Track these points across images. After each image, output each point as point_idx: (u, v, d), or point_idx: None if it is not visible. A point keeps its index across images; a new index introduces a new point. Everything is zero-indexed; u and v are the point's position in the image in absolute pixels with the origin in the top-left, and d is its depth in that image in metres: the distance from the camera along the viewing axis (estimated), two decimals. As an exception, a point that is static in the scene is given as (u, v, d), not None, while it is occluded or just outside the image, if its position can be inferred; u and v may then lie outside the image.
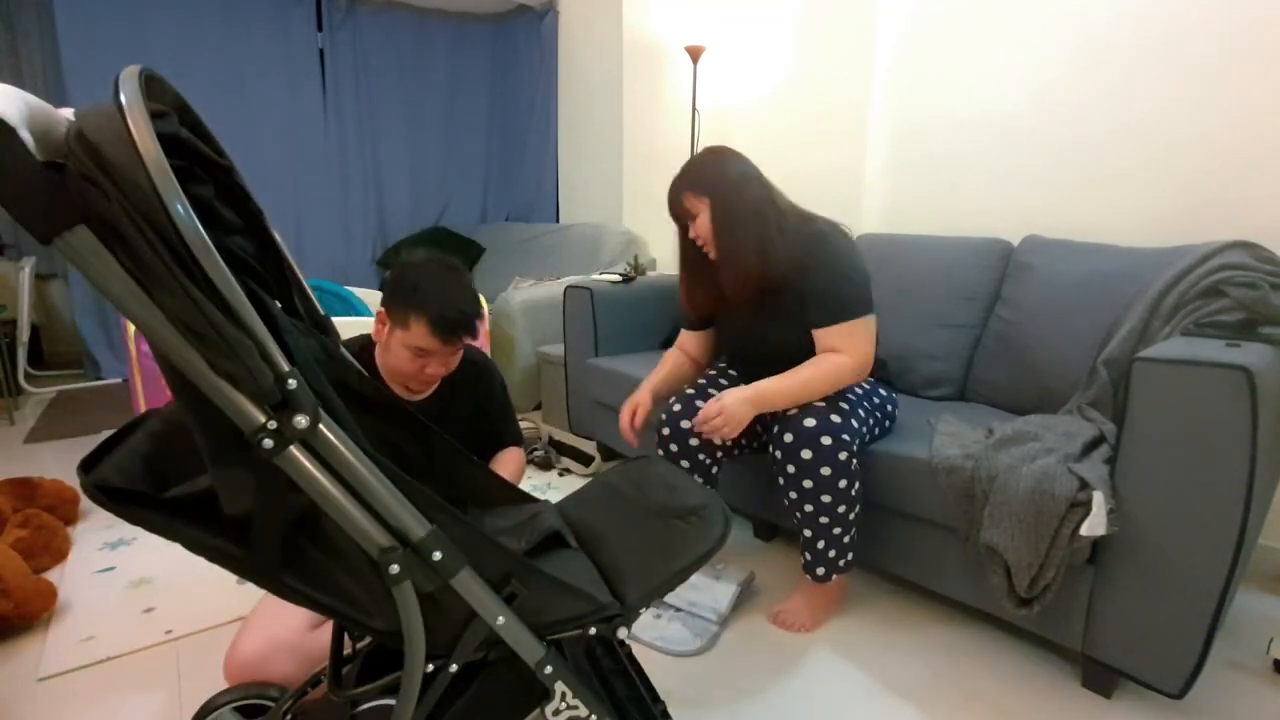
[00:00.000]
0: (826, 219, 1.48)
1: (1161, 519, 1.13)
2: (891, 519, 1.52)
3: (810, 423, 1.35)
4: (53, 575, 1.64)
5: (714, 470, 1.60)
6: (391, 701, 0.78)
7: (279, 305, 0.84)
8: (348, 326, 2.09)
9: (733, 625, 1.51)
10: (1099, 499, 1.14)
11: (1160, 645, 1.16)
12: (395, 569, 0.67)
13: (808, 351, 1.44)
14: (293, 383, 0.61)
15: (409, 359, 1.23)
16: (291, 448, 0.62)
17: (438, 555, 0.68)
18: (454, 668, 0.76)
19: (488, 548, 0.74)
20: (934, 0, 2.23)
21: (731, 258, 1.44)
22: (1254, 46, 1.61)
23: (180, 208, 0.54)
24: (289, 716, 0.97)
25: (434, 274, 1.24)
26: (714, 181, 1.44)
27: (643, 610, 0.85)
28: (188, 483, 0.68)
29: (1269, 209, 1.62)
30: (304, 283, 0.88)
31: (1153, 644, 1.17)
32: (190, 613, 1.50)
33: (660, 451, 1.62)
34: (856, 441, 1.38)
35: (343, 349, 0.95)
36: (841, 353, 1.40)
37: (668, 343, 2.43)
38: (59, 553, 1.71)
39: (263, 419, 0.60)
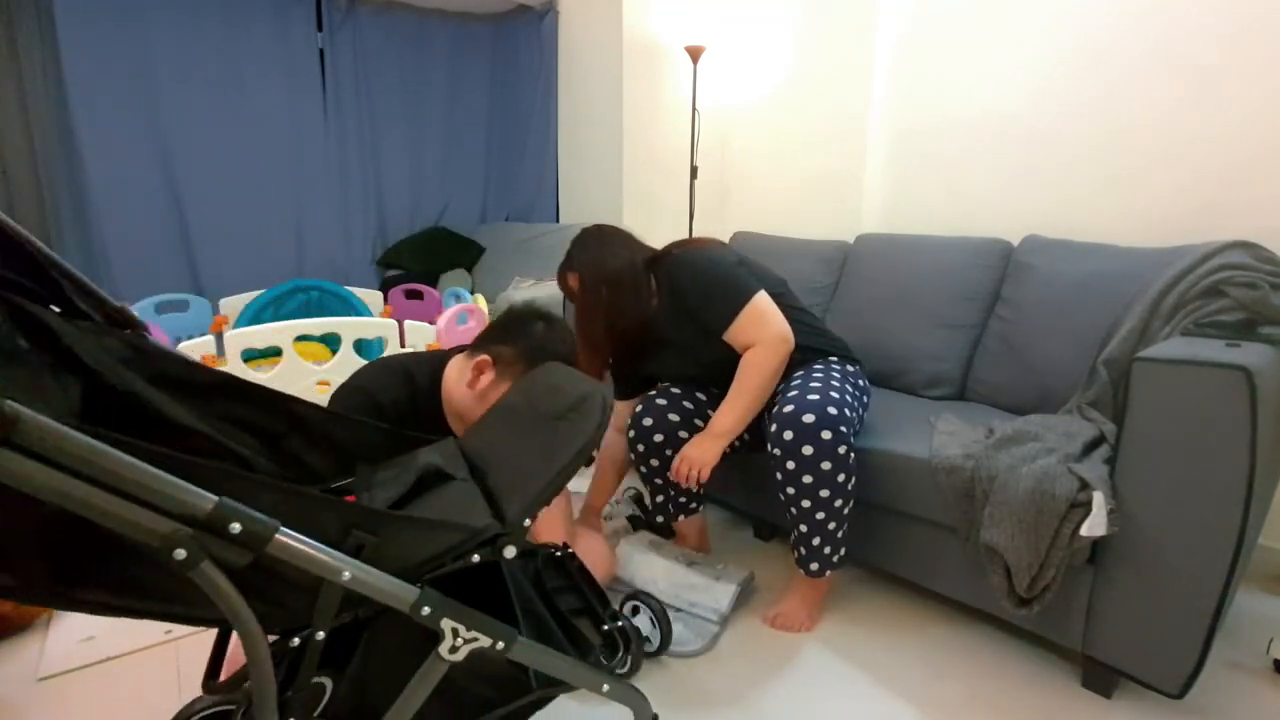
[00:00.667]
0: (681, 243, 1.59)
1: (1161, 519, 1.13)
2: (891, 519, 1.52)
3: (809, 418, 1.35)
4: (53, 575, 1.64)
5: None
6: (323, 680, 0.75)
7: (57, 310, 0.79)
8: (350, 327, 2.09)
9: (732, 626, 1.51)
10: (1099, 499, 1.14)
11: (1160, 645, 1.16)
12: (182, 553, 0.61)
13: (735, 358, 1.50)
14: None
15: None
16: None
17: (236, 527, 0.63)
18: (321, 635, 0.72)
19: (317, 506, 0.70)
20: (934, 0, 2.23)
21: (583, 323, 1.54)
22: (1254, 47, 1.61)
23: None
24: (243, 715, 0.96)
25: (567, 339, 1.28)
26: (580, 259, 1.57)
27: (527, 522, 0.80)
28: None
29: (1269, 209, 1.62)
30: (82, 279, 0.81)
31: (1153, 644, 1.17)
32: (190, 613, 1.50)
33: (640, 468, 1.66)
34: (852, 433, 1.39)
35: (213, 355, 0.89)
36: (755, 343, 1.45)
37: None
38: (59, 553, 1.71)
39: None
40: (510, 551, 0.79)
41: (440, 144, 4.23)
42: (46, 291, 0.78)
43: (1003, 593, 1.27)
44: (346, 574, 0.68)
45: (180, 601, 0.67)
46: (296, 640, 0.71)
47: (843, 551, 1.47)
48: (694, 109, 2.92)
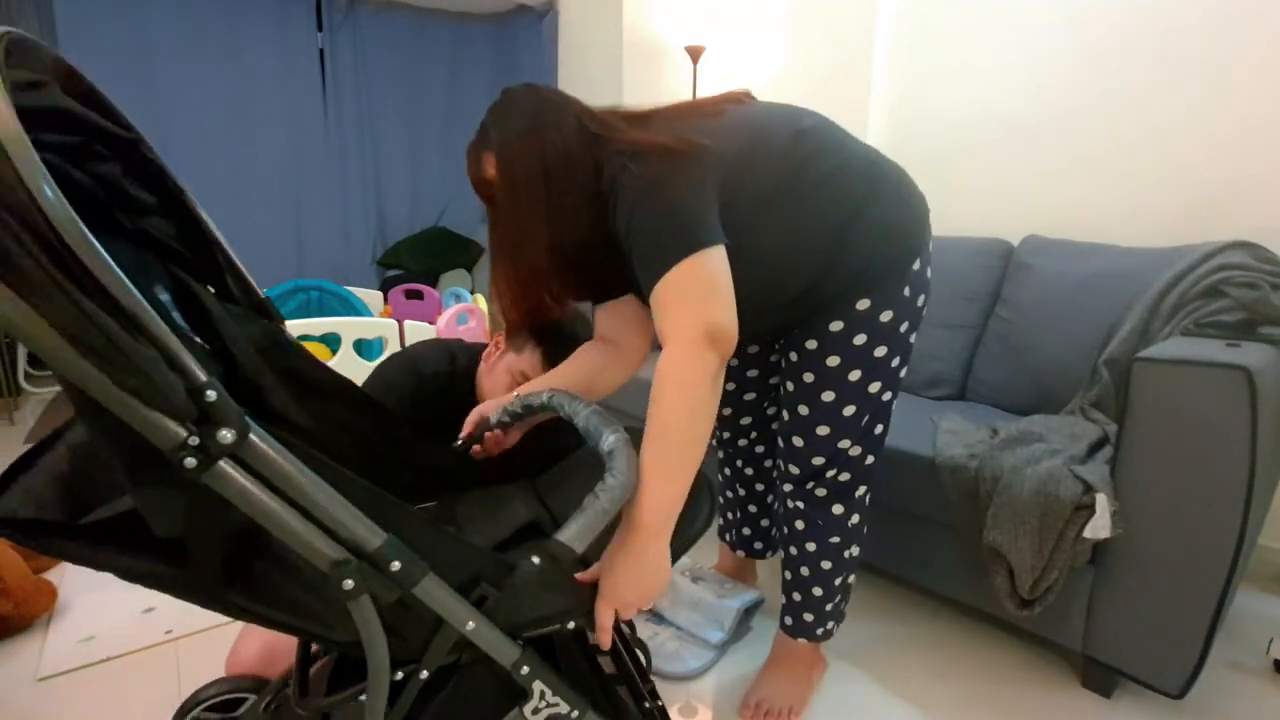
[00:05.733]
0: (645, 121, 0.96)
1: (1162, 519, 1.13)
2: (892, 518, 1.51)
3: (819, 460, 1.14)
4: (53, 575, 1.64)
5: (770, 502, 1.50)
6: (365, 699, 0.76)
7: (211, 290, 0.80)
8: (350, 327, 2.09)
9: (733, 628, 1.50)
10: (1103, 502, 1.14)
11: (1160, 645, 1.16)
12: (349, 584, 0.62)
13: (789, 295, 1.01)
14: (211, 394, 0.54)
15: (508, 384, 1.25)
16: (220, 464, 0.56)
17: (396, 565, 0.64)
18: (425, 674, 0.73)
19: (454, 549, 0.70)
20: (934, 0, 2.23)
21: (505, 242, 0.95)
22: (1255, 46, 1.61)
23: (49, 191, 0.46)
24: (271, 708, 0.95)
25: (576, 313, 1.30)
26: (501, 129, 0.93)
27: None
28: (108, 506, 0.61)
29: (1269, 209, 1.63)
30: (239, 265, 0.82)
31: (1153, 644, 1.17)
32: (190, 613, 1.49)
33: (726, 492, 1.51)
34: (876, 458, 1.18)
35: (286, 333, 0.88)
36: (668, 337, 0.82)
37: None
38: (59, 553, 1.71)
39: (183, 435, 0.53)
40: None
41: (440, 144, 4.23)
42: (206, 270, 0.79)
43: (1005, 594, 1.27)
44: (470, 625, 0.70)
45: (316, 621, 0.68)
46: (400, 675, 0.72)
47: (830, 625, 1.23)
48: (694, 109, 2.91)
